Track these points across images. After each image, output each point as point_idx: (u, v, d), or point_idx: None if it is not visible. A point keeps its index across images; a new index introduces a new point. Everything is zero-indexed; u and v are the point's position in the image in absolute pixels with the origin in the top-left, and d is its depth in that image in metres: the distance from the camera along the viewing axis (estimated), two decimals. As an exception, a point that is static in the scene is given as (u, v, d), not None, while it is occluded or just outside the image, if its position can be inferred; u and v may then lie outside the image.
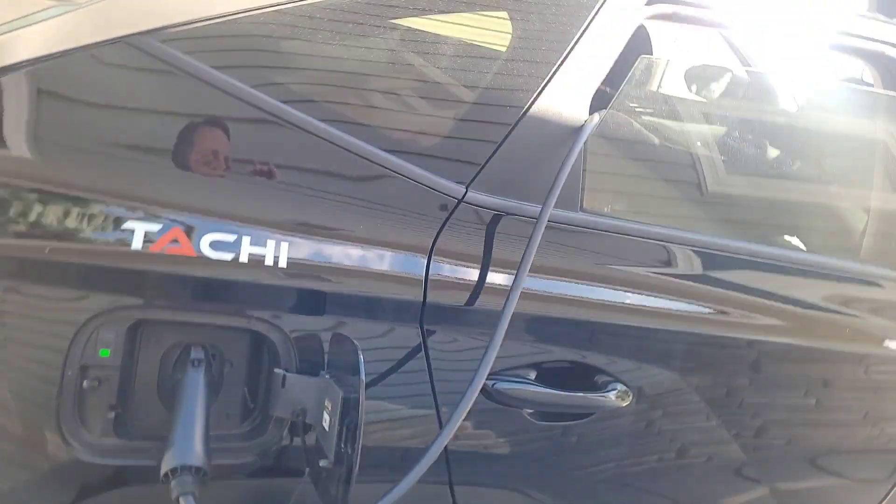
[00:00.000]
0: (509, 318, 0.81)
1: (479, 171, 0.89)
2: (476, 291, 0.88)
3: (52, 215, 0.74)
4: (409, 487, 0.70)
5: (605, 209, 1.00)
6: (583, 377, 0.96)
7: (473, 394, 0.76)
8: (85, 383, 0.74)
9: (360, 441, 0.66)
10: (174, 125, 0.79)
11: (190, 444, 0.66)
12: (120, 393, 0.76)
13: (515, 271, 0.85)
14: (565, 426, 0.96)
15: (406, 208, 0.86)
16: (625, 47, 0.96)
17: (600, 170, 1.03)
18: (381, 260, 0.84)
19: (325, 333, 0.82)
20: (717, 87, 1.91)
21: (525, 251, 0.86)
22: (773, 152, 1.58)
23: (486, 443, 0.94)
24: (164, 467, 0.65)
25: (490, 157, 0.89)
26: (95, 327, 0.74)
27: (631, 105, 1.13)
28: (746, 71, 1.99)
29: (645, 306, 0.97)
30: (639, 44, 1.00)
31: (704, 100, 1.77)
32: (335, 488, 0.69)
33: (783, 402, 1.13)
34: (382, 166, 0.85)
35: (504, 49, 0.97)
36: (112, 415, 0.76)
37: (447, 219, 0.87)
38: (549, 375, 0.93)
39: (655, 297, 0.97)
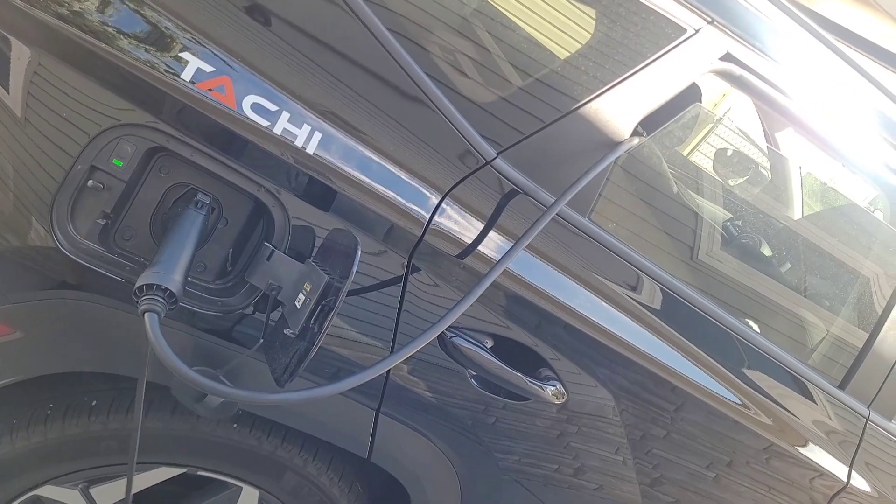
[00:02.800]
0: (488, 284, 0.86)
1: (515, 143, 0.93)
2: (469, 248, 0.92)
3: (117, 11, 0.75)
4: (337, 392, 0.73)
5: (609, 225, 1.05)
6: (530, 364, 1.01)
7: (431, 335, 0.80)
8: (90, 182, 0.76)
9: (330, 323, 0.69)
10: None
11: (172, 269, 0.69)
12: (117, 205, 0.78)
13: (510, 247, 0.89)
14: (496, 401, 1.01)
15: (437, 147, 0.89)
16: (685, 89, 1.01)
17: (620, 189, 1.08)
18: (398, 184, 0.87)
19: (322, 230, 0.85)
20: (739, 175, 1.99)
21: (525, 232, 0.90)
22: (766, 249, 1.66)
23: (423, 388, 0.98)
24: (141, 281, 0.67)
25: (530, 135, 0.93)
26: (118, 136, 0.76)
27: (668, 144, 1.18)
28: (770, 168, 2.08)
29: (608, 325, 1.02)
30: (696, 92, 1.05)
31: (722, 180, 1.83)
32: (289, 359, 0.72)
33: (686, 464, 1.19)
34: (430, 100, 0.88)
35: (580, 43, 1.01)
36: (103, 222, 0.78)
37: (469, 174, 0.91)
38: (503, 350, 0.98)
39: (621, 317, 1.03)
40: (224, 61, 0.78)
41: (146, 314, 0.65)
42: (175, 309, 0.70)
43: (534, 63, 0.98)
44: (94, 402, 0.94)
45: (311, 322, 0.71)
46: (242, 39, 0.80)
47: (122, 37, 0.75)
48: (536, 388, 1.01)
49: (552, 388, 1.02)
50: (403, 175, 0.87)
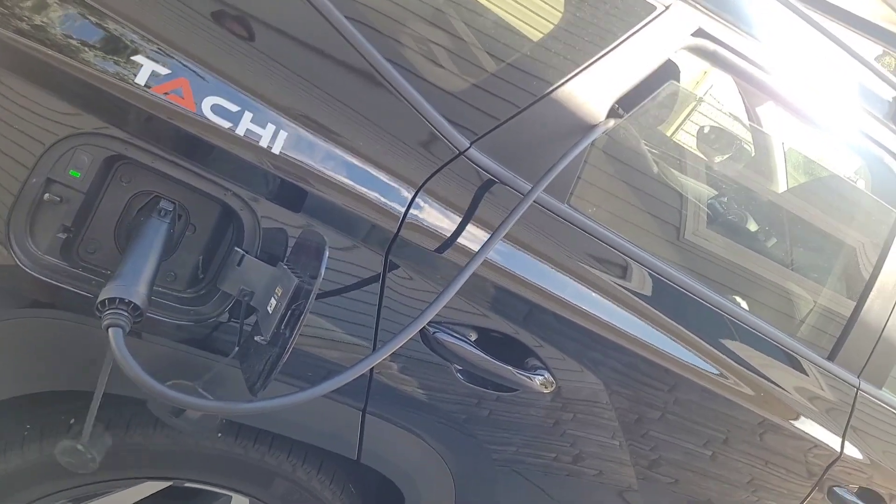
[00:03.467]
0: (467, 277, 0.84)
1: (488, 131, 0.91)
2: (448, 242, 0.90)
3: (67, 18, 0.72)
4: (318, 395, 0.72)
5: (589, 210, 1.03)
6: (517, 355, 1.00)
7: (413, 330, 0.78)
8: (46, 195, 0.73)
9: (300, 327, 0.67)
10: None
11: (135, 281, 0.66)
12: (77, 218, 0.75)
13: (488, 237, 0.87)
14: (485, 394, 1.00)
15: (407, 141, 0.87)
16: (659, 67, 0.99)
17: (598, 173, 1.07)
18: (369, 180, 0.85)
19: (294, 230, 0.83)
20: (721, 152, 1.98)
21: (502, 222, 0.88)
22: (752, 225, 1.66)
23: (409, 386, 0.97)
24: (103, 295, 0.65)
25: (503, 122, 0.91)
26: (74, 146, 0.73)
27: (646, 124, 1.16)
28: (753, 143, 2.07)
29: (593, 310, 1.01)
30: (671, 70, 1.03)
31: (705, 158, 1.83)
32: (262, 365, 0.70)
33: (682, 444, 1.19)
34: (399, 93, 0.86)
35: (551, 24, 0.99)
36: (63, 236, 0.75)
37: (443, 166, 0.89)
38: (488, 343, 0.97)
39: (606, 303, 1.01)
40: (180, 63, 0.76)
41: (110, 329, 0.63)
42: (141, 322, 0.68)
43: (503, 48, 0.96)
44: (72, 421, 0.91)
45: (283, 327, 0.69)
46: (197, 39, 0.77)
47: (73, 43, 0.72)
48: (524, 378, 0.99)
49: (540, 378, 1.01)
50: (375, 171, 0.85)
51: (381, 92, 0.85)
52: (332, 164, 0.83)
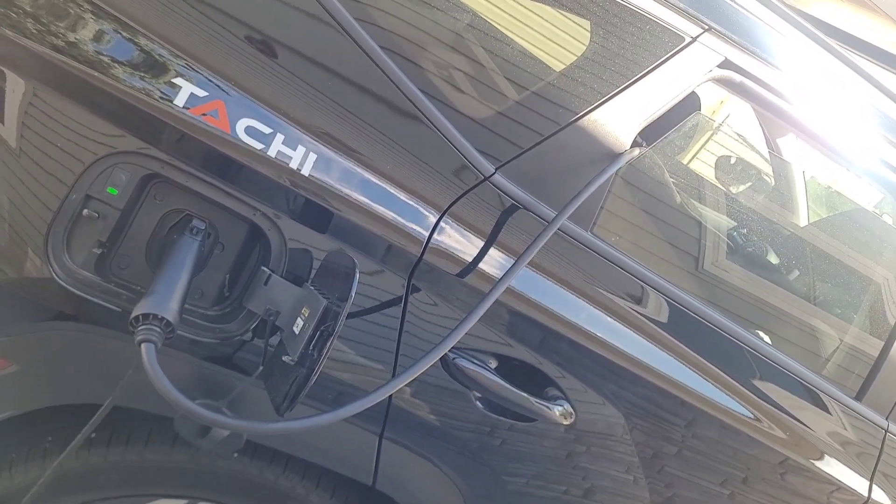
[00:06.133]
0: (490, 303, 0.84)
1: (513, 158, 0.92)
2: (470, 267, 0.90)
3: (110, 41, 0.75)
4: (340, 419, 0.72)
5: (612, 238, 1.03)
6: (537, 384, 0.99)
7: (433, 358, 0.78)
8: (85, 211, 0.75)
9: (329, 349, 0.68)
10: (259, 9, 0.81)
11: (168, 298, 0.68)
12: (112, 234, 0.77)
13: (512, 263, 0.88)
14: (501, 423, 0.99)
15: (435, 165, 0.88)
16: (685, 98, 1.00)
17: (622, 201, 1.07)
18: (395, 203, 0.86)
19: (320, 251, 0.84)
20: (741, 182, 1.97)
21: (527, 248, 0.88)
22: (773, 257, 1.64)
23: (427, 412, 0.96)
24: (137, 311, 0.66)
25: (529, 149, 0.92)
26: (113, 164, 0.76)
27: (669, 154, 1.16)
28: (773, 174, 2.06)
29: (616, 342, 1.00)
30: (695, 101, 1.03)
31: (723, 188, 1.82)
32: (289, 386, 0.70)
33: (700, 481, 1.16)
34: (426, 117, 0.87)
35: (575, 55, 1.00)
36: (98, 251, 0.77)
37: (468, 190, 0.90)
38: (508, 371, 0.96)
39: (630, 333, 1.00)
40: (217, 85, 0.78)
41: (143, 344, 0.64)
42: (172, 338, 0.68)
43: (530, 76, 0.97)
44: (93, 435, 0.92)
45: (311, 348, 0.69)
46: (235, 63, 0.80)
47: (115, 65, 0.75)
48: (543, 407, 0.98)
49: (560, 408, 0.99)
50: (401, 194, 0.86)
51: (410, 118, 0.87)
52: (360, 187, 0.84)
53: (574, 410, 1.01)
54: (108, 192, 0.76)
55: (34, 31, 0.73)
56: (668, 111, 0.98)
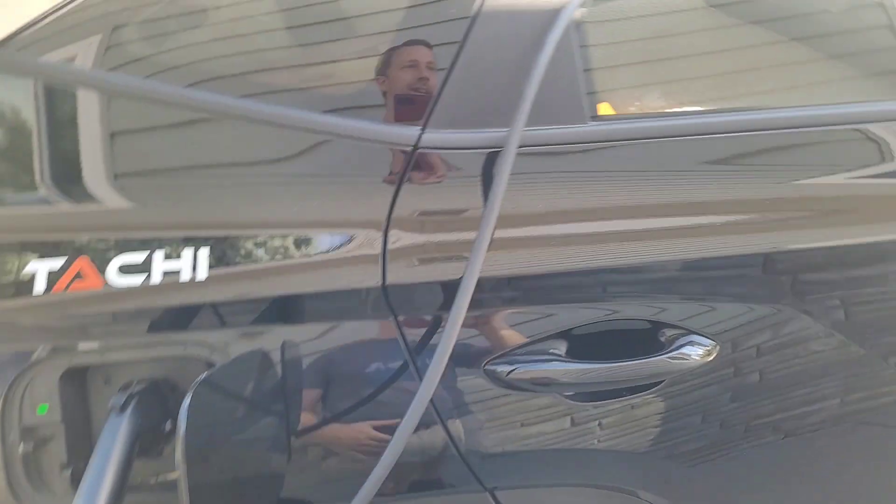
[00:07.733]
0: (471, 289, 0.61)
1: (433, 106, 0.68)
2: (449, 256, 0.67)
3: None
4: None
5: (631, 109, 0.73)
6: (640, 339, 0.72)
7: (422, 404, 0.58)
8: (30, 446, 0.67)
9: None
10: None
11: (93, 498, 0.56)
12: (69, 448, 0.68)
13: (480, 215, 0.64)
14: (615, 407, 0.73)
15: (352, 174, 0.68)
16: None
17: (610, 62, 0.76)
18: (333, 243, 0.67)
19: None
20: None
21: (489, 190, 0.64)
22: None
23: (522, 442, 0.73)
24: None
25: (443, 85, 0.68)
26: (27, 383, 0.66)
27: None
28: None
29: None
30: None
31: None
32: None
33: None
34: (315, 131, 0.68)
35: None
36: (68, 472, 0.68)
37: (402, 176, 0.68)
38: (587, 346, 0.70)
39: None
40: (66, 247, 0.66)
41: None
42: None
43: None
44: None
45: None
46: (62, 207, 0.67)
47: None
48: (667, 361, 0.70)
49: (692, 350, 0.71)
50: (326, 230, 0.67)
51: (294, 142, 0.68)
52: (274, 252, 0.66)
53: (712, 341, 0.71)
54: (38, 413, 0.66)
55: None
56: None
